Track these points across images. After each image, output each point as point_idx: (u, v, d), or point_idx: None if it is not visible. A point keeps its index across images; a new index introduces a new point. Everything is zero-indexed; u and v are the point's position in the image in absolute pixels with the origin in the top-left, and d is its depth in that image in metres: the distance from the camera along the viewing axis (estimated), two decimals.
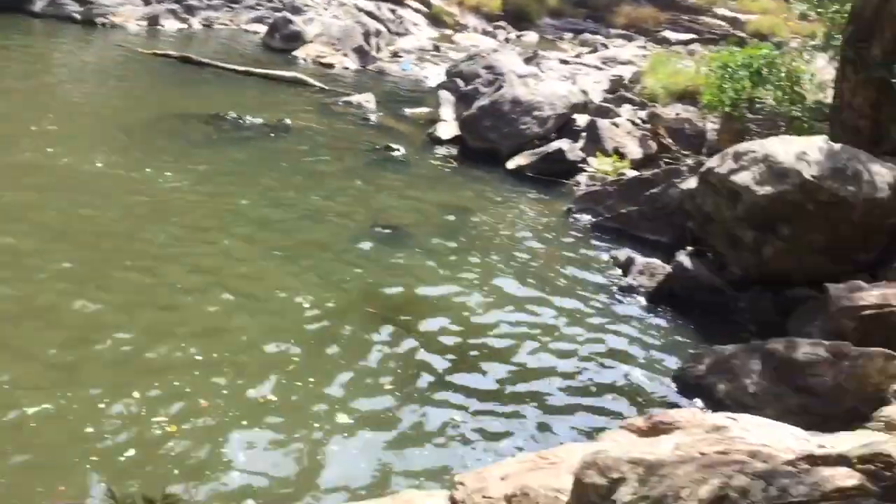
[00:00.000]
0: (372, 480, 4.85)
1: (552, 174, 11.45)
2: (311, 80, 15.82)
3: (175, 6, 20.17)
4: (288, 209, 9.16)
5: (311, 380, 5.76)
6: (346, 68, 18.17)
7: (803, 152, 7.49)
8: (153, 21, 19.28)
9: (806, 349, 6.00)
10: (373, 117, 13.81)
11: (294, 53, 18.54)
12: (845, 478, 2.40)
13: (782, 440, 3.94)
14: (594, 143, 12.04)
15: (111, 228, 7.88)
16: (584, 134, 12.37)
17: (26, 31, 17.15)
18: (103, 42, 17.34)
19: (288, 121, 12.47)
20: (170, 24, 19.63)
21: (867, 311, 6.22)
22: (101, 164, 9.49)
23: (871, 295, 6.36)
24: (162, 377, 5.50)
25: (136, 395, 5.26)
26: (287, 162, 10.84)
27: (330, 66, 18.07)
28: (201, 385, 5.49)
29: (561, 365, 6.57)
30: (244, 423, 5.17)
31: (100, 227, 7.87)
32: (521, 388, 6.15)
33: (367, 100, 14.55)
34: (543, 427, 5.64)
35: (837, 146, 7.65)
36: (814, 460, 2.72)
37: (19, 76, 13.42)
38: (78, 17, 18.33)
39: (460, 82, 15.11)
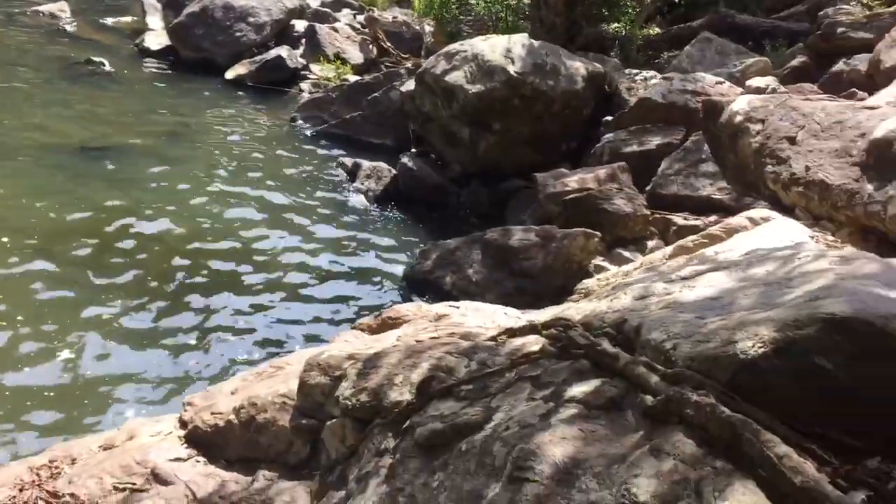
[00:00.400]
0: (101, 415, 4.58)
1: (274, 83, 11.13)
2: None
3: None
4: None
5: (20, 318, 5.25)
6: None
7: (508, 50, 7.89)
8: None
9: (519, 235, 6.45)
10: (69, 28, 12.46)
11: None
12: (532, 344, 2.65)
13: (496, 320, 4.24)
14: (315, 49, 11.84)
15: None
16: (303, 40, 12.11)
17: None
18: None
19: None
20: None
21: (569, 196, 6.79)
22: None
23: (572, 180, 6.94)
24: None
25: None
26: None
27: None
28: None
29: (293, 274, 6.53)
30: None
31: None
32: (255, 298, 6.05)
33: (61, 9, 13.09)
34: (278, 336, 5.62)
35: (537, 43, 8.13)
36: (512, 333, 2.96)
37: None
38: None
39: None
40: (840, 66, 7.26)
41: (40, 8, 13.02)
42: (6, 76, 9.96)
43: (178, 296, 5.89)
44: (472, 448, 2.21)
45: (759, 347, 1.94)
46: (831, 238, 4.18)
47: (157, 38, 12.14)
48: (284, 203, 7.73)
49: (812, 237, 4.06)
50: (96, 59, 10.88)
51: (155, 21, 12.76)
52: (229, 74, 11.25)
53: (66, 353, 5.00)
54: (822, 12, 8.50)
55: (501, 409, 2.35)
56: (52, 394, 4.65)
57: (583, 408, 2.13)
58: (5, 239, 6.18)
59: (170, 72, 11.38)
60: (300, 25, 12.47)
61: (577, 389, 2.22)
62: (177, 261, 6.34)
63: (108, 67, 10.78)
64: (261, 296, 6.12)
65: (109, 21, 13.27)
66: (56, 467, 3.36)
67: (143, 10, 13.20)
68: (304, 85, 11.28)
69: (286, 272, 6.52)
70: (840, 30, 7.70)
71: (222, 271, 6.34)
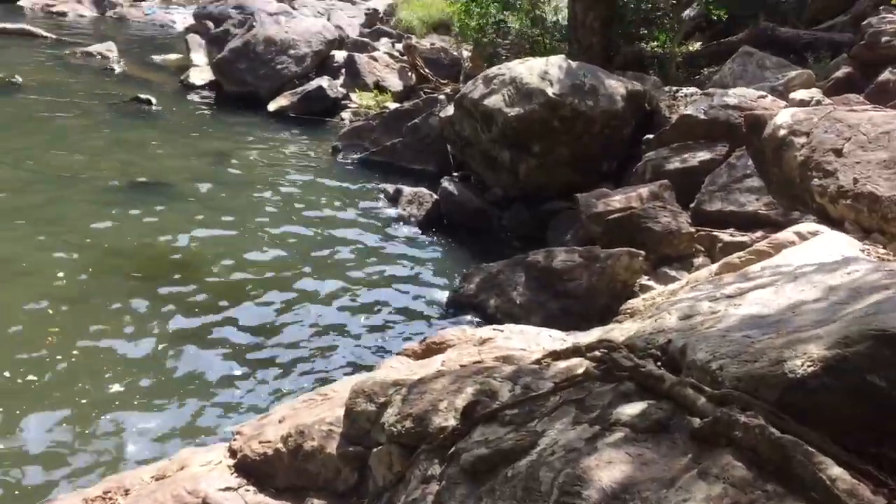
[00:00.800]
0: (153, 446, 4.65)
1: (315, 113, 11.31)
2: (41, 32, 14.39)
3: None
4: (32, 171, 8.38)
5: (76, 352, 5.36)
6: (82, 16, 16.73)
7: (545, 72, 7.90)
8: None
9: (562, 257, 6.41)
10: (117, 67, 12.85)
11: (19, 3, 16.76)
12: (577, 367, 2.63)
13: (540, 343, 4.22)
14: (354, 78, 12.02)
15: None
16: (343, 70, 12.31)
17: None
18: None
19: (18, 78, 11.29)
20: None
21: (612, 215, 6.75)
22: None
23: (615, 200, 6.90)
24: None
25: None
26: (23, 122, 9.87)
27: (62, 14, 16.56)
28: None
29: (339, 299, 6.59)
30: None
31: None
32: (301, 326, 6.10)
33: (109, 49, 13.50)
34: (324, 363, 5.65)
35: (575, 64, 8.13)
36: (556, 356, 2.94)
37: None
38: None
39: (210, 24, 14.41)
40: (886, 75, 7.13)
41: (90, 49, 13.45)
42: (59, 115, 10.29)
43: (224, 325, 5.98)
44: (518, 474, 2.19)
45: (809, 366, 1.90)
46: (883, 251, 4.08)
47: (201, 74, 12.44)
48: (328, 231, 7.81)
49: (863, 251, 3.97)
50: (143, 96, 11.17)
51: (199, 57, 13.08)
52: (272, 106, 11.45)
53: (115, 384, 5.09)
54: (865, 22, 8.35)
55: (547, 434, 2.33)
56: (103, 423, 4.73)
57: (629, 431, 2.10)
58: (59, 267, 6.37)
59: (214, 106, 11.64)
60: (340, 56, 12.67)
61: (624, 412, 2.19)
62: (222, 290, 6.44)
63: (154, 104, 11.06)
64: (305, 323, 6.18)
65: (156, 59, 13.65)
66: (110, 498, 3.41)
67: (188, 47, 13.56)
68: (345, 114, 11.44)
69: (330, 299, 6.57)
70: (885, 39, 7.56)
71: (267, 299, 6.41)
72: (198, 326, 5.91)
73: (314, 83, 11.65)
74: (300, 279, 6.83)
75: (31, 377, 5.05)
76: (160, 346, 5.58)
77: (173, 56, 13.82)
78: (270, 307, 6.33)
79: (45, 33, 14.39)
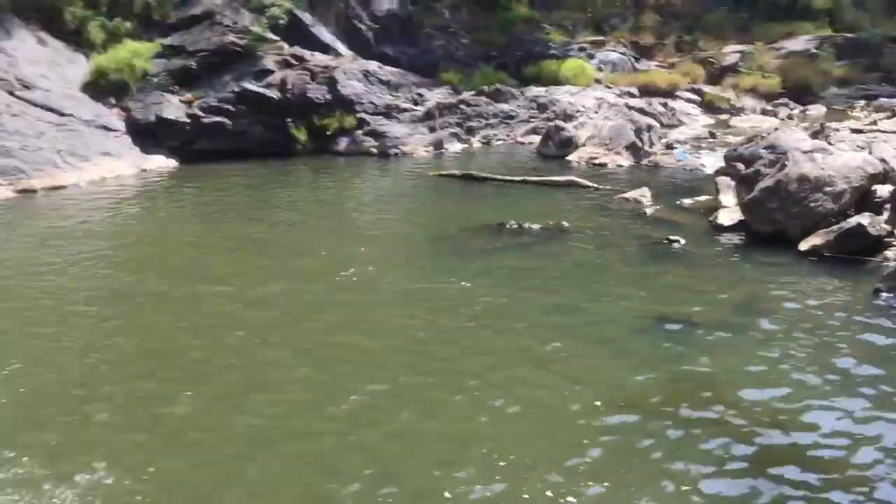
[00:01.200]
0: None
1: (852, 252, 10.48)
2: (585, 182, 16.18)
3: (456, 129, 22.04)
4: (571, 305, 9.31)
5: (606, 483, 5.62)
6: (620, 166, 18.40)
7: None
8: (438, 146, 21.25)
9: None
10: (649, 211, 13.72)
11: (568, 158, 19.30)
12: None
13: None
14: None
15: (424, 337, 8.50)
16: (887, 205, 11.25)
17: (333, 166, 19.85)
18: (396, 169, 19.31)
19: (565, 223, 12.76)
20: (453, 147, 21.52)
21: None
22: (407, 280, 10.41)
23: None
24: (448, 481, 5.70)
25: None
26: (566, 262, 11.09)
27: (603, 165, 18.45)
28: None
29: (882, 466, 5.83)
30: None
31: (412, 336, 8.53)
32: (837, 491, 5.53)
33: (643, 194, 14.53)
34: None
35: None
36: None
37: (329, 204, 15.54)
38: (374, 150, 20.94)
39: (740, 166, 14.49)
40: None
41: (626, 195, 14.66)
42: (594, 257, 11.30)
43: (743, 483, 5.77)
44: None
45: None
46: None
47: (729, 215, 12.55)
48: (866, 384, 7.03)
49: None
50: (671, 237, 11.67)
51: (728, 198, 13.25)
52: (803, 245, 10.96)
53: None
54: None
55: None
56: None
57: None
58: (568, 400, 6.83)
59: (740, 246, 11.59)
60: (883, 190, 11.65)
61: None
62: (746, 443, 6.19)
63: (681, 244, 11.46)
64: (838, 486, 5.62)
65: (685, 202, 14.24)
66: None
67: (717, 188, 13.85)
68: (889, 253, 10.39)
69: (869, 460, 5.88)
70: None
71: (798, 457, 5.98)
72: (727, 478, 5.77)
73: (853, 220, 10.84)
74: (834, 433, 6.25)
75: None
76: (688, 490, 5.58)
77: (702, 198, 14.26)
78: (804, 462, 5.89)
79: (588, 183, 16.14)
